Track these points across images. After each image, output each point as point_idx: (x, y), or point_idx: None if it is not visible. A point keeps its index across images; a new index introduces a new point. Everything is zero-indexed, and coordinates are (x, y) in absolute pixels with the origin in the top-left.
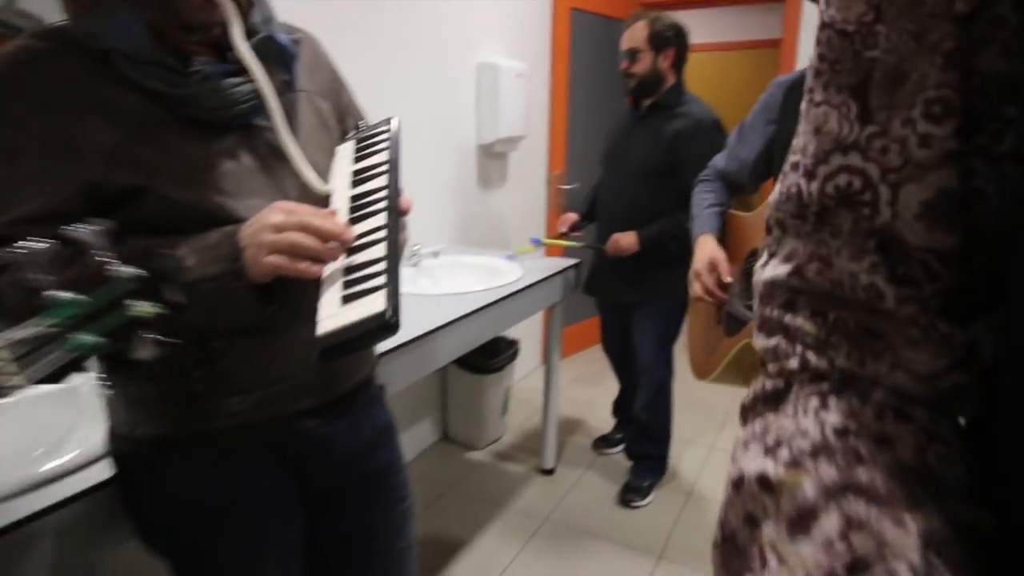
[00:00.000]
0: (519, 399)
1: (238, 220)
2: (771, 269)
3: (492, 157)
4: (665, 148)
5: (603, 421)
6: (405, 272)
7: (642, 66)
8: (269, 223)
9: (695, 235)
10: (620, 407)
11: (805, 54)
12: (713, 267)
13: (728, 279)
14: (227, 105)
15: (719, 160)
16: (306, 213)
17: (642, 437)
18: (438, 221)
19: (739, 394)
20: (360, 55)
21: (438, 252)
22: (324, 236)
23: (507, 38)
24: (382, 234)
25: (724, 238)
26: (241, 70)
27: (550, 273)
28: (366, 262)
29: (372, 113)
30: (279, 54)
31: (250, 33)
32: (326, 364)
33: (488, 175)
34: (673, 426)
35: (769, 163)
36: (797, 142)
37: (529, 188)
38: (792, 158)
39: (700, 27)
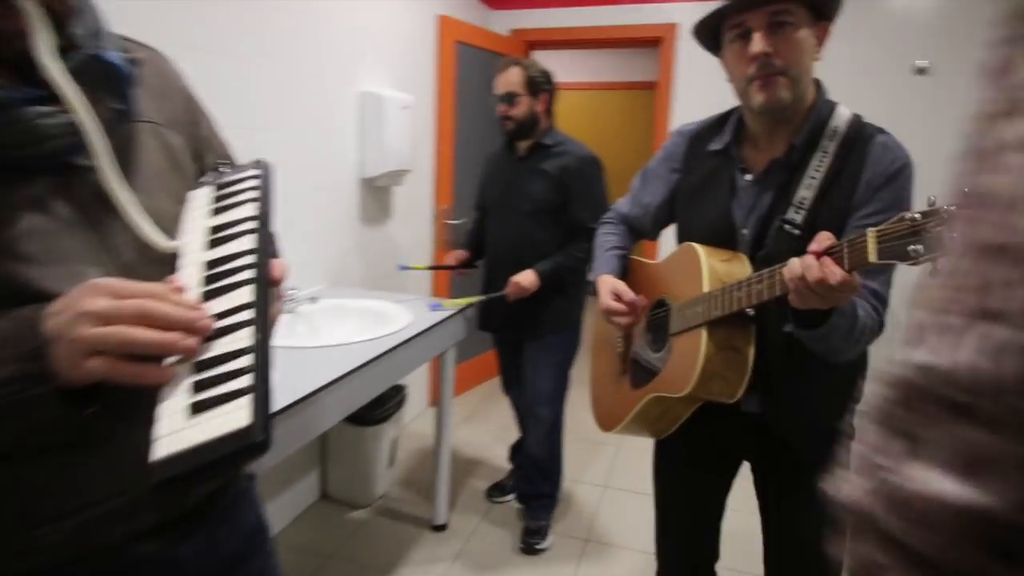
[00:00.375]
0: (408, 447)
1: (45, 295)
2: None
3: (376, 191)
4: (554, 186)
5: (499, 461)
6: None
7: (520, 109)
8: (89, 310)
9: (596, 276)
10: (518, 451)
11: (681, 96)
12: (616, 295)
13: (631, 295)
14: (32, 141)
15: (622, 204)
16: (142, 293)
17: (535, 475)
18: (317, 261)
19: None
20: (227, 80)
21: (317, 297)
22: (170, 325)
23: (392, 69)
24: (247, 315)
25: (626, 283)
26: (54, 96)
27: (446, 315)
28: (225, 355)
29: (240, 148)
30: (108, 76)
31: (69, 48)
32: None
33: (371, 210)
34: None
35: (671, 210)
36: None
37: (415, 223)
38: None
39: (577, 67)
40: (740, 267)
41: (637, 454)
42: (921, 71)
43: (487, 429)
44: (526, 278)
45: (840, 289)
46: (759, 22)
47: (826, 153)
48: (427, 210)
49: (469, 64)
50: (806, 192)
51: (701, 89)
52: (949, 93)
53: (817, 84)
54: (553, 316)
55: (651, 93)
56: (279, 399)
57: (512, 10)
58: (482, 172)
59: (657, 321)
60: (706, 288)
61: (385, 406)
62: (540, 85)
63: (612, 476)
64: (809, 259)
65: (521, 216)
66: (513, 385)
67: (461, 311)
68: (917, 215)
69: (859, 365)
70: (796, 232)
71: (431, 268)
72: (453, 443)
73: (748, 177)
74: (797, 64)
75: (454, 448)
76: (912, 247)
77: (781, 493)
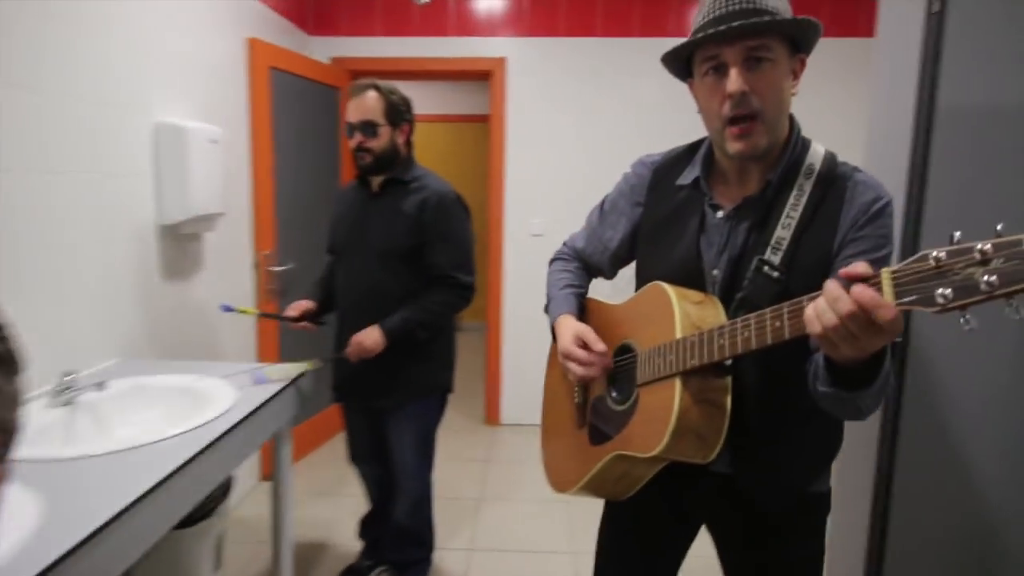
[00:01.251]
0: (237, 539)
1: None
2: None
3: (180, 240)
4: (408, 226)
5: (349, 540)
6: (51, 417)
7: (381, 141)
8: None
9: (552, 318)
10: (370, 526)
11: (515, 129)
12: (579, 341)
13: (601, 347)
14: None
15: (577, 239)
16: None
17: (406, 544)
18: (105, 330)
19: (490, 482)
20: None
21: (104, 382)
22: None
23: (195, 97)
24: None
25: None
26: None
27: (277, 389)
28: None
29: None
30: None
31: None
32: None
33: (175, 263)
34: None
35: (632, 247)
36: None
37: (232, 273)
38: None
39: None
40: (713, 311)
41: (501, 509)
42: None
43: (336, 501)
44: (369, 336)
45: (886, 329)
46: (736, 57)
47: (802, 191)
48: (247, 257)
49: (287, 93)
50: (783, 232)
51: (534, 122)
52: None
53: (791, 119)
54: (412, 382)
55: (484, 126)
56: (48, 555)
57: (333, 36)
58: (333, 210)
59: (621, 370)
60: (679, 333)
61: (206, 496)
62: (401, 114)
63: (478, 535)
64: (836, 290)
65: (373, 261)
66: (365, 458)
67: (294, 382)
68: (942, 253)
69: (837, 420)
70: (775, 275)
71: (263, 315)
72: (295, 527)
73: (720, 214)
74: (776, 106)
75: (298, 533)
76: (941, 291)
77: (748, 565)
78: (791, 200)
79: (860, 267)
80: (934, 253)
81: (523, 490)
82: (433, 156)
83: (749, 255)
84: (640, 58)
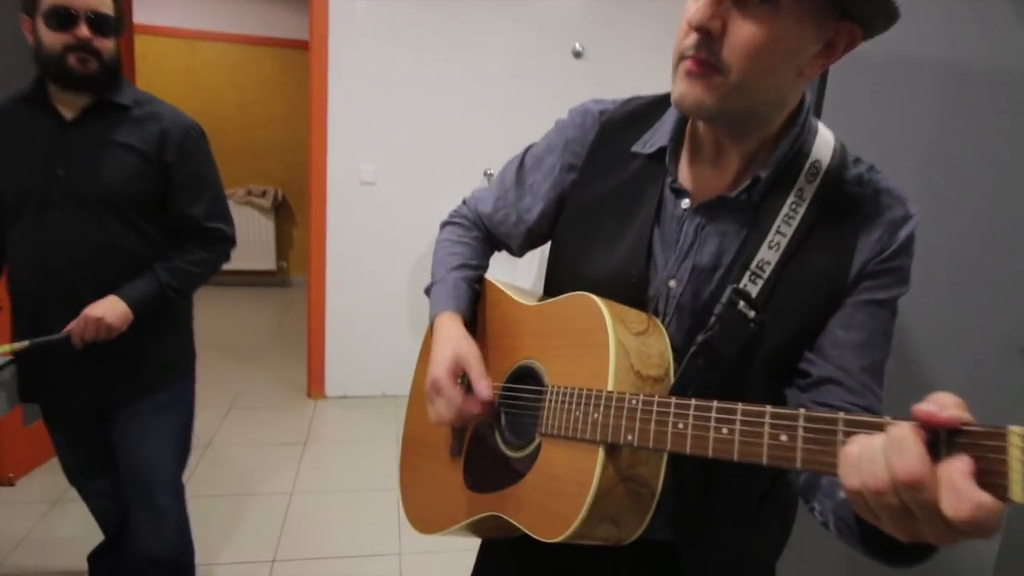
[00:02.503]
0: None
1: None
2: None
3: None
4: (139, 167)
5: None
6: None
7: (112, 45)
8: None
9: (433, 312)
10: (104, 565)
11: (339, 61)
12: (458, 370)
13: (486, 393)
14: None
15: (482, 201)
16: None
17: None
18: None
19: (304, 472)
20: None
21: None
22: None
23: None
24: None
25: (475, 323)
26: None
27: None
28: None
29: None
30: None
31: None
32: None
33: None
34: None
35: (554, 223)
36: None
37: None
38: None
39: (208, 11)
40: (659, 346)
41: (317, 505)
42: (577, 54)
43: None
44: (111, 310)
45: (966, 532)
46: None
47: (801, 199)
48: None
49: None
50: (768, 253)
51: (363, 53)
52: (602, 76)
53: (801, 100)
54: (163, 363)
55: (304, 53)
56: None
57: None
58: None
59: (518, 400)
60: (612, 384)
61: None
62: (123, 16)
63: (285, 544)
64: (905, 435)
65: (83, 213)
66: (96, 471)
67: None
68: None
69: (791, 502)
70: (750, 314)
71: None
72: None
73: (684, 203)
74: (750, 68)
75: (15, 564)
76: None
77: None
78: (785, 210)
79: (950, 404)
80: None
81: (346, 478)
82: (250, 86)
83: (723, 274)
84: None
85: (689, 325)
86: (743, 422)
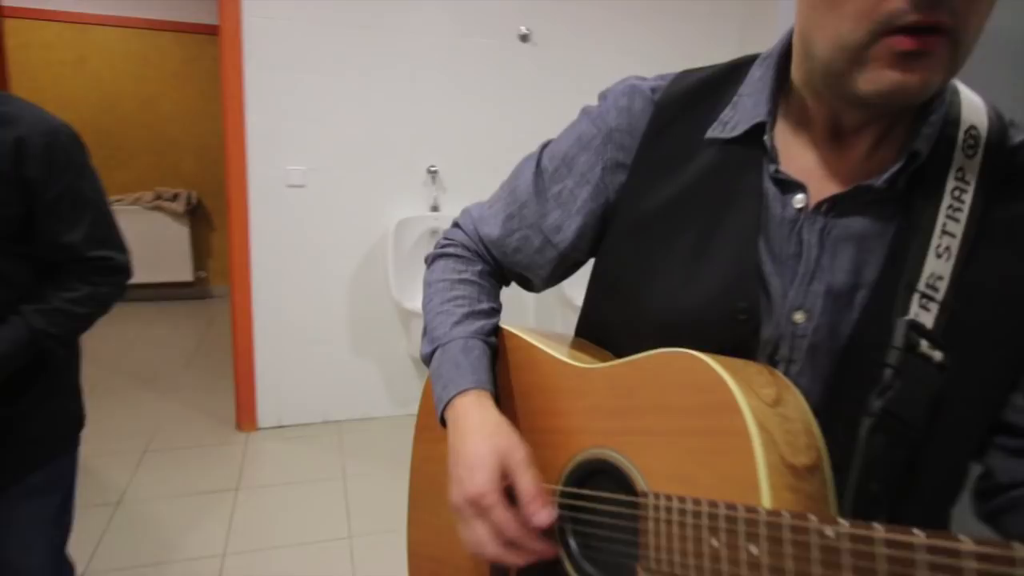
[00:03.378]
0: None
1: None
2: None
3: None
4: None
5: None
6: None
7: None
8: None
9: (447, 394)
10: None
11: (255, 46)
12: (504, 482)
13: (548, 512)
14: None
15: (485, 220)
16: None
17: None
18: None
19: (237, 524)
20: None
21: None
22: None
23: None
24: None
25: (498, 393)
26: None
27: None
28: None
29: None
30: None
31: None
32: None
33: None
34: None
35: (598, 239)
36: None
37: None
38: None
39: None
40: (798, 413)
41: (252, 566)
42: (524, 38)
43: None
44: None
45: None
46: None
47: (964, 183)
48: None
49: None
50: (939, 265)
51: (284, 37)
52: (551, 60)
53: None
54: (37, 437)
55: (215, 39)
56: None
57: None
58: None
59: (603, 514)
60: (767, 498)
61: None
62: None
63: None
64: None
65: None
66: None
67: None
68: None
69: None
70: (935, 356)
71: None
72: None
73: (799, 200)
74: (977, 28)
75: None
76: None
77: None
78: (947, 200)
79: None
80: None
81: (289, 530)
82: (155, 77)
83: (867, 297)
84: None
85: (828, 375)
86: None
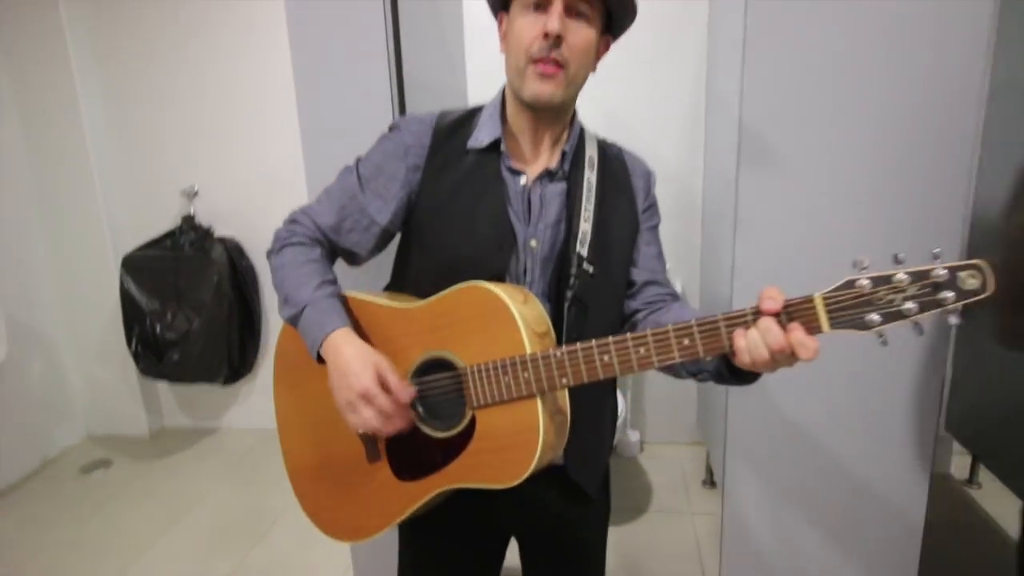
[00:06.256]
0: None
1: None
2: None
3: None
4: None
5: None
6: None
7: None
8: None
9: (319, 332)
10: None
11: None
12: (383, 381)
13: (409, 394)
14: None
15: (322, 213)
16: None
17: None
18: None
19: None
20: None
21: None
22: None
23: None
24: None
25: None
26: None
27: None
28: None
29: None
30: None
31: None
32: None
33: None
34: None
35: (407, 217)
36: None
37: None
38: None
39: None
40: (537, 311)
41: None
42: None
43: None
44: None
45: (805, 360)
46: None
47: (589, 186)
48: None
49: None
50: (585, 226)
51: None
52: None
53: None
54: None
55: None
56: None
57: None
58: None
59: (435, 389)
60: (529, 348)
61: None
62: None
63: None
64: (772, 327)
65: None
66: None
67: None
68: (866, 281)
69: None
70: (590, 270)
71: None
72: None
73: (522, 180)
74: (581, 68)
75: None
76: (870, 316)
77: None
78: (584, 193)
79: (774, 299)
80: (859, 280)
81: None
82: None
83: (565, 225)
84: None
85: (551, 271)
86: (654, 338)
